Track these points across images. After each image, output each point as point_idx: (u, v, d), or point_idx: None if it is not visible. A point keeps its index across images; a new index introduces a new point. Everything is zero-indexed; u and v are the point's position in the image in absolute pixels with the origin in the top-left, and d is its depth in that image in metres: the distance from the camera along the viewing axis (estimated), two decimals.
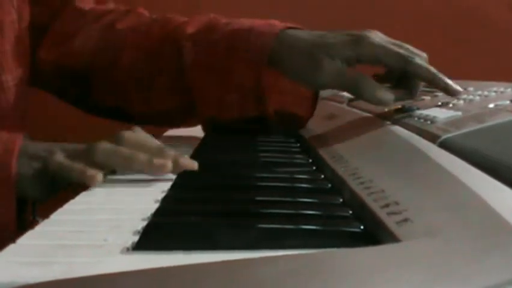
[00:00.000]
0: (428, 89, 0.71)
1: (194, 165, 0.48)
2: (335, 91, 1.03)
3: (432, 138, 0.43)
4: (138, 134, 0.53)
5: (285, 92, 0.67)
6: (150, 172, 0.48)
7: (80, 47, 0.70)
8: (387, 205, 0.31)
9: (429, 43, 1.24)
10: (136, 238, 0.31)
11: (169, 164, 0.47)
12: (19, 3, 0.65)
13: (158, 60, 0.69)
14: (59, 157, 0.50)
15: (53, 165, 0.50)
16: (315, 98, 0.69)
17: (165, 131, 0.80)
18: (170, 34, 0.72)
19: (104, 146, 0.50)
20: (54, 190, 0.52)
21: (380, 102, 0.56)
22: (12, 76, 0.63)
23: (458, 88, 0.54)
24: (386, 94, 0.56)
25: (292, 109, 0.69)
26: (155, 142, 0.52)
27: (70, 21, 0.72)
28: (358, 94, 0.58)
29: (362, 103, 0.75)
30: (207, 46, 0.68)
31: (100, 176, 0.47)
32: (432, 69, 0.56)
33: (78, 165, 0.48)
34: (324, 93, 1.06)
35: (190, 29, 0.72)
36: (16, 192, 0.49)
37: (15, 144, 0.50)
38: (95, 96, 0.72)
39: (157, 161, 0.47)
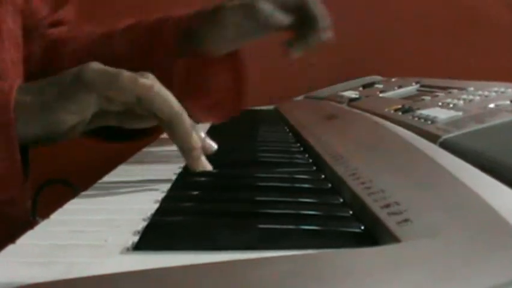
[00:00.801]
0: (427, 89, 0.71)
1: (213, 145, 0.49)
2: (335, 91, 1.03)
3: (432, 138, 0.43)
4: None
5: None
6: (186, 146, 0.45)
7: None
8: (387, 205, 0.31)
9: (430, 43, 1.24)
10: (136, 238, 0.31)
11: (209, 166, 0.46)
12: (15, 12, 0.65)
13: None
14: (95, 64, 0.43)
15: (89, 75, 0.42)
16: None
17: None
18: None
19: (154, 82, 0.43)
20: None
21: (275, 23, 0.54)
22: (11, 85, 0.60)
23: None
24: (282, 16, 0.54)
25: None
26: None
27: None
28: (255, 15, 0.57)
29: (362, 103, 0.75)
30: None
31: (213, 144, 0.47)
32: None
33: (126, 73, 0.42)
34: (324, 93, 1.06)
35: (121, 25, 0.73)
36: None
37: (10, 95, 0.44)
38: None
39: (207, 141, 0.48)
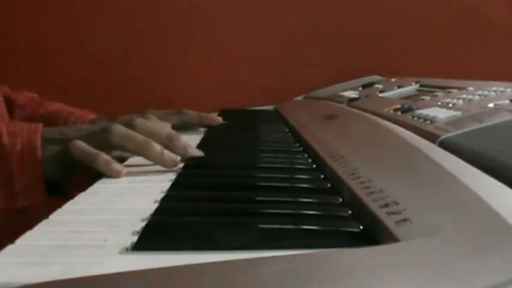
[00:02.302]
0: (427, 89, 0.71)
1: (200, 153, 0.55)
2: (335, 91, 1.03)
3: (432, 137, 0.43)
4: (151, 121, 0.58)
5: None
6: (160, 163, 0.52)
7: None
8: (386, 205, 0.31)
9: (430, 43, 1.24)
10: (135, 238, 0.31)
11: (178, 160, 0.52)
12: None
13: None
14: (79, 143, 0.54)
15: (75, 151, 0.53)
16: None
17: None
18: None
19: (120, 129, 0.54)
20: (72, 171, 0.57)
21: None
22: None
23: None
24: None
25: None
26: (166, 130, 0.57)
27: None
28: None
29: (362, 103, 0.75)
30: None
31: (124, 171, 0.51)
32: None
33: (103, 156, 0.52)
34: (324, 93, 1.06)
35: None
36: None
37: (38, 129, 0.57)
38: None
39: (168, 154, 0.52)
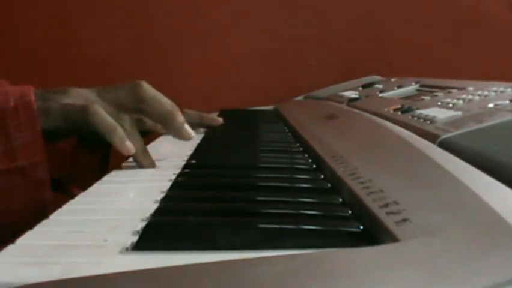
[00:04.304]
0: (427, 89, 0.71)
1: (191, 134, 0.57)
2: (335, 91, 1.03)
3: (431, 138, 0.43)
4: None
5: None
6: (178, 134, 0.55)
7: None
8: (386, 205, 0.31)
9: (430, 43, 1.24)
10: (136, 238, 0.31)
11: (193, 136, 0.55)
12: None
13: None
14: (99, 109, 0.53)
15: (96, 117, 0.53)
16: None
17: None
18: None
19: (152, 88, 0.56)
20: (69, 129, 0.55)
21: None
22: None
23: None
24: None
25: None
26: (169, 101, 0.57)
27: None
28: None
29: (362, 103, 0.75)
30: None
31: (133, 149, 0.53)
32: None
33: (120, 131, 0.53)
34: (324, 93, 1.06)
35: None
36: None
37: (30, 87, 0.56)
38: None
39: (127, 143, 0.53)
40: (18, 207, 0.54)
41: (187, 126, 0.55)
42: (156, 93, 0.56)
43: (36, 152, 0.54)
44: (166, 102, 0.55)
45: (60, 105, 0.55)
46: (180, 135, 0.55)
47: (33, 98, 0.54)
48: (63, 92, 0.57)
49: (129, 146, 0.53)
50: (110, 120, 0.53)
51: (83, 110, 0.53)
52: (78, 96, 0.56)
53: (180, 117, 0.55)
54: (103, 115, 0.53)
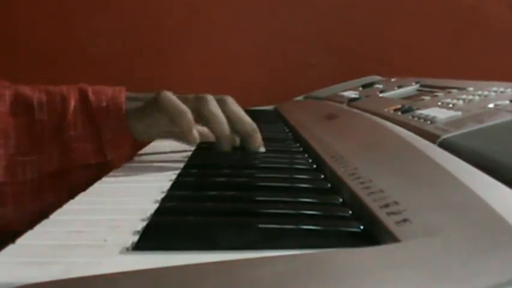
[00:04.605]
0: (427, 89, 0.71)
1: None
2: (335, 91, 1.03)
3: (432, 138, 0.43)
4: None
5: None
6: (187, 133, 0.55)
7: None
8: (386, 205, 0.31)
9: (430, 43, 1.24)
10: (136, 238, 0.31)
11: (197, 140, 0.56)
12: None
13: None
14: (170, 94, 0.56)
15: (165, 101, 0.55)
16: None
17: None
18: None
19: (213, 105, 0.57)
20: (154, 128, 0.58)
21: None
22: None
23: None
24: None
25: None
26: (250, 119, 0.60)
27: None
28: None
29: (362, 103, 0.75)
30: None
31: (198, 139, 0.55)
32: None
33: (190, 115, 0.54)
34: (324, 93, 1.06)
35: None
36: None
37: (122, 89, 0.60)
38: None
39: (194, 132, 0.55)
40: None
41: (194, 131, 0.55)
42: (216, 109, 0.57)
43: (123, 146, 0.58)
44: (224, 119, 0.57)
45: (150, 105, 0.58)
46: (186, 137, 0.55)
47: (123, 99, 0.59)
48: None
49: (196, 135, 0.54)
50: (181, 105, 0.55)
51: (157, 96, 0.56)
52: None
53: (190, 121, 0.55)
54: (175, 100, 0.55)
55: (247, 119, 0.59)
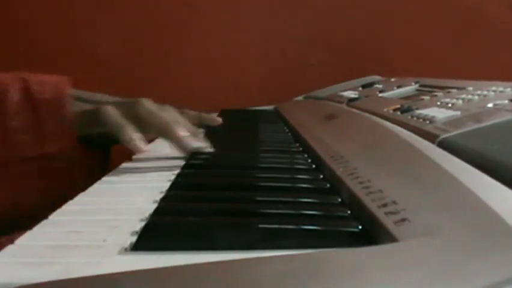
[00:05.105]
0: (427, 89, 0.71)
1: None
2: (335, 91, 1.03)
3: (431, 137, 0.43)
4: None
5: None
6: (178, 146, 0.56)
7: None
8: (385, 205, 0.31)
9: (430, 43, 1.24)
10: (135, 238, 0.31)
11: (143, 150, 0.55)
12: None
13: None
14: (112, 109, 0.55)
15: (106, 116, 0.55)
16: None
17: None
18: None
19: (151, 104, 0.57)
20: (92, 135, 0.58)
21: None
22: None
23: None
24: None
25: None
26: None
27: None
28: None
29: (361, 103, 0.75)
30: None
31: (143, 148, 0.54)
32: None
33: (130, 129, 0.54)
34: (323, 93, 1.06)
35: None
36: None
37: (65, 81, 0.59)
38: None
39: (186, 141, 0.55)
40: (37, 194, 0.56)
41: (187, 138, 0.55)
42: (154, 108, 0.57)
43: (65, 140, 0.56)
44: (163, 115, 0.57)
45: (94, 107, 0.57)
46: (179, 146, 0.56)
47: (67, 93, 0.57)
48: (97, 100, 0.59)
49: (140, 146, 0.54)
50: (120, 119, 0.55)
51: (95, 111, 0.56)
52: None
53: (178, 129, 0.56)
54: (113, 115, 0.55)
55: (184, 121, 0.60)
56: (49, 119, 0.56)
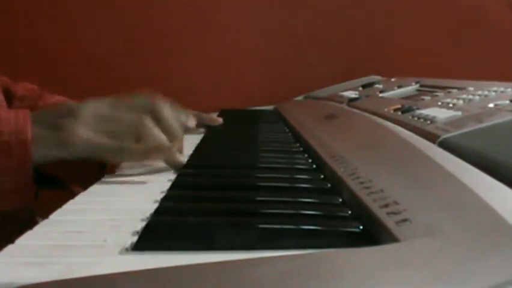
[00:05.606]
0: (427, 89, 0.71)
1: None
2: (335, 91, 1.03)
3: (432, 138, 0.43)
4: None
5: None
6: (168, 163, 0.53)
7: None
8: (386, 205, 0.31)
9: (430, 43, 1.24)
10: (135, 238, 0.31)
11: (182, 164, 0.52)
12: None
13: None
14: (82, 131, 0.49)
15: (79, 145, 0.48)
16: None
17: None
18: None
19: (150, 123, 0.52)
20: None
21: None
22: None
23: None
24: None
25: None
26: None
27: None
28: None
29: (362, 103, 0.75)
30: None
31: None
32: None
33: (126, 154, 0.50)
34: (324, 93, 1.06)
35: None
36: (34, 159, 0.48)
37: (27, 116, 0.49)
38: None
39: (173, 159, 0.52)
40: None
41: (178, 155, 0.53)
42: (168, 115, 0.54)
43: (26, 197, 0.49)
44: (155, 137, 0.52)
45: (60, 140, 0.49)
46: (170, 163, 0.53)
47: (29, 136, 0.47)
48: (71, 115, 0.50)
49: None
50: (114, 146, 0.50)
51: (86, 145, 0.49)
52: (85, 119, 0.50)
53: (173, 150, 0.52)
54: (106, 146, 0.50)
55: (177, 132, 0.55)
56: (7, 173, 0.47)
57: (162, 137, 0.53)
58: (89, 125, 0.50)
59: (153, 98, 0.55)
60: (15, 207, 0.49)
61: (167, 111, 0.55)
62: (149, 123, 0.52)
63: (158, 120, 0.53)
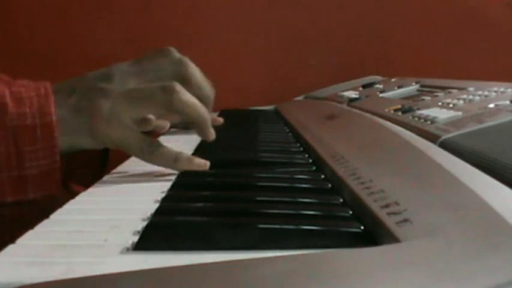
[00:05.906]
0: (427, 89, 0.71)
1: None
2: (335, 91, 1.03)
3: (432, 138, 0.43)
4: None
5: None
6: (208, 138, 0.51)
7: None
8: (387, 205, 0.31)
9: (430, 43, 1.24)
10: (136, 238, 0.31)
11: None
12: None
13: None
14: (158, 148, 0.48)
15: (154, 159, 0.47)
16: None
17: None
18: None
19: (186, 94, 0.47)
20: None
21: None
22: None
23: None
24: None
25: None
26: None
27: None
28: None
29: (362, 103, 0.75)
30: None
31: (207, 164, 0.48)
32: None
33: (185, 155, 0.48)
34: (324, 93, 1.06)
35: None
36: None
37: (48, 93, 0.46)
38: None
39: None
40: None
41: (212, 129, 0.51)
42: (190, 98, 0.48)
43: (51, 185, 0.47)
44: (200, 109, 0.49)
45: (84, 120, 0.47)
46: (204, 136, 0.51)
47: (54, 118, 0.45)
48: (103, 95, 0.48)
49: (201, 162, 0.49)
50: (169, 153, 0.48)
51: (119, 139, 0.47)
52: (118, 100, 0.48)
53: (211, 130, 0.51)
54: (131, 142, 0.48)
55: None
56: (33, 158, 0.45)
57: (201, 108, 0.49)
58: (121, 105, 0.47)
59: (181, 60, 0.53)
60: (38, 196, 0.47)
61: (199, 75, 0.53)
62: (181, 90, 0.48)
63: (190, 86, 0.50)
